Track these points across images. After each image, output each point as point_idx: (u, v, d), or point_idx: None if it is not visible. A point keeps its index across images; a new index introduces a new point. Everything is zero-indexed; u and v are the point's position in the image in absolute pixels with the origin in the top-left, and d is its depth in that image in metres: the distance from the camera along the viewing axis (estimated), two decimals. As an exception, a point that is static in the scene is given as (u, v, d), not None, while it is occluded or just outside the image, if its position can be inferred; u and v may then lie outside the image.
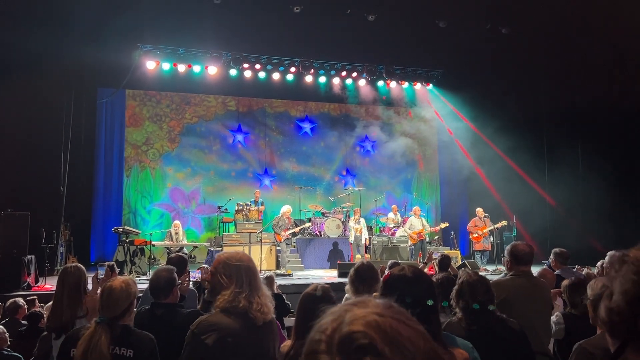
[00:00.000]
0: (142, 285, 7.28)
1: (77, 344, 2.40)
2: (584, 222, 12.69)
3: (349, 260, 11.72)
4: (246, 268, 2.25)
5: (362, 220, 12.23)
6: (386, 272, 6.13)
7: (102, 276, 4.07)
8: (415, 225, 12.16)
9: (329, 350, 0.70)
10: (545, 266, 5.44)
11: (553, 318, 3.44)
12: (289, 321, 5.15)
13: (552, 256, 5.22)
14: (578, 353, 2.30)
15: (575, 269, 5.85)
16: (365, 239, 12.05)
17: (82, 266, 3.62)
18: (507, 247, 3.52)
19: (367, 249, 12.13)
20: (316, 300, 2.47)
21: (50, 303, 5.02)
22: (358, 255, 11.77)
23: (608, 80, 12.28)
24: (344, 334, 0.70)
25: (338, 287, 4.81)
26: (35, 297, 6.24)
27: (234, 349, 2.15)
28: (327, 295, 2.54)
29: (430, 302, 1.77)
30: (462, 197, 16.04)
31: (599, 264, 5.33)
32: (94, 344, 2.33)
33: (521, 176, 13.96)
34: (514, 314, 2.76)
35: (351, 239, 11.98)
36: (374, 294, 2.37)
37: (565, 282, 3.63)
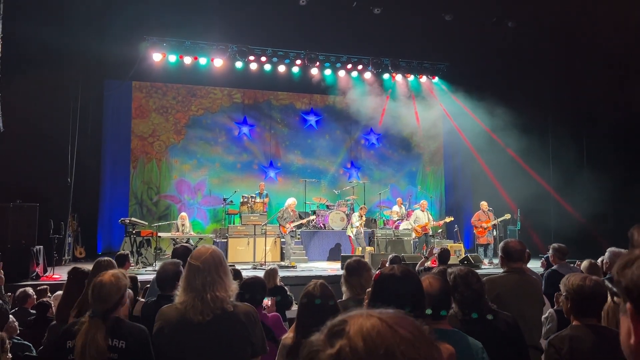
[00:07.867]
0: (150, 276, 7.43)
1: (72, 336, 2.49)
2: (587, 216, 12.68)
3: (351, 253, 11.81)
4: (196, 268, 2.37)
5: (363, 217, 12.27)
6: (387, 265, 6.14)
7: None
8: (420, 218, 12.22)
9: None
10: (542, 260, 5.49)
11: (545, 315, 3.50)
12: (291, 313, 5.24)
13: (550, 251, 5.27)
14: (546, 350, 2.44)
15: (575, 264, 5.88)
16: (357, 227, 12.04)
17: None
18: (500, 244, 3.62)
19: (371, 241, 12.19)
20: (315, 298, 2.57)
21: (58, 293, 5.15)
22: (362, 247, 11.83)
23: (616, 73, 12.21)
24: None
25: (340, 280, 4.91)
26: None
27: (169, 339, 2.35)
28: (325, 292, 2.60)
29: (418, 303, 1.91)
30: (467, 191, 16.03)
31: (599, 260, 5.32)
32: (91, 337, 2.42)
33: (525, 170, 13.94)
34: (506, 309, 2.85)
35: (351, 233, 11.99)
36: (368, 289, 2.46)
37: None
